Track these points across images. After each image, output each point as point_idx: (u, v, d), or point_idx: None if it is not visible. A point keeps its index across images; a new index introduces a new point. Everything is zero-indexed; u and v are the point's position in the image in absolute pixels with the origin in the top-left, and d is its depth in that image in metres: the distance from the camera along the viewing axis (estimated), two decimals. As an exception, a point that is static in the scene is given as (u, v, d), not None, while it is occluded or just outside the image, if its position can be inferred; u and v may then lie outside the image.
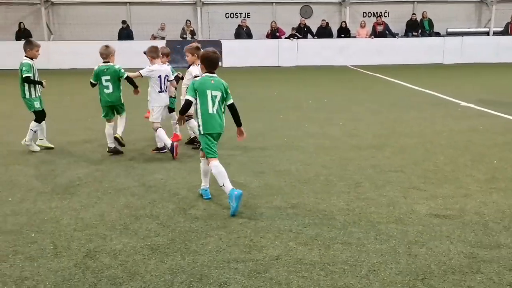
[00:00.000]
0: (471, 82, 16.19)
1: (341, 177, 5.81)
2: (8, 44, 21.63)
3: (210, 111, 4.97)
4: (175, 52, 22.23)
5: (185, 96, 5.18)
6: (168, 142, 6.81)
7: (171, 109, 7.43)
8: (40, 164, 6.48)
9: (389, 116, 9.81)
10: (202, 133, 5.01)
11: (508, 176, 5.79)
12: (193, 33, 23.19)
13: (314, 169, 6.15)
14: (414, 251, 3.85)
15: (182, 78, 7.44)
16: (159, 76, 6.88)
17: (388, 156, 6.73)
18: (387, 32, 23.42)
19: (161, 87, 6.91)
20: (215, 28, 24.56)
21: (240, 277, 3.48)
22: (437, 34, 23.86)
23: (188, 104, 4.93)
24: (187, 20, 23.29)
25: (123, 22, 23.14)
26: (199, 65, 6.68)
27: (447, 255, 3.77)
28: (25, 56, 7.23)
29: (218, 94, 5.01)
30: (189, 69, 7.10)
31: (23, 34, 22.45)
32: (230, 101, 5.15)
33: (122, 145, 7.02)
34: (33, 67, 7.16)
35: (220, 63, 5.32)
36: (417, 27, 23.81)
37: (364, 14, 25.18)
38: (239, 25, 23.50)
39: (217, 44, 22.60)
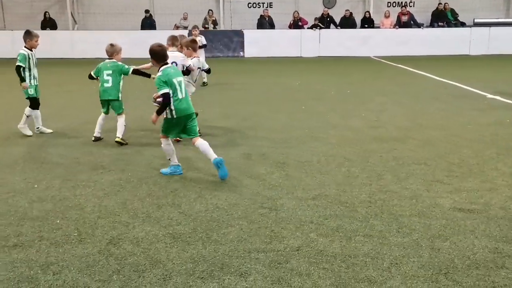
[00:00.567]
0: (498, 74, 15.84)
1: (363, 169, 5.76)
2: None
3: (180, 96, 5.42)
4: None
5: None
6: None
7: None
8: (65, 152, 6.59)
9: (413, 108, 9.68)
10: (174, 117, 5.41)
11: (536, 170, 5.67)
12: (215, 23, 23.18)
13: (336, 160, 6.12)
14: (437, 245, 3.80)
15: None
16: (172, 63, 6.91)
17: (411, 149, 6.64)
18: (412, 22, 23.05)
19: None
20: (237, 18, 24.52)
21: (261, 267, 3.49)
22: (463, 25, 23.38)
23: (167, 98, 5.30)
24: (209, 10, 23.30)
25: (146, 11, 23.27)
26: (194, 58, 7.23)
27: (471, 250, 3.71)
28: (24, 46, 7.53)
29: (181, 78, 5.55)
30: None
31: (48, 23, 22.80)
32: (185, 77, 6.02)
33: (125, 144, 7.00)
34: (29, 58, 7.46)
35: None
36: (443, 18, 23.36)
37: (389, 4, 24.83)
38: (261, 15, 23.40)
39: (239, 34, 22.57)
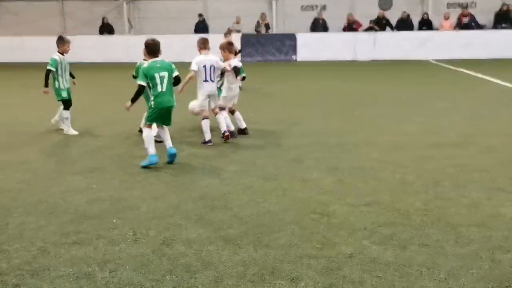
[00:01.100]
0: None
1: (419, 175, 5.59)
2: (92, 38, 22.89)
3: (159, 89, 6.00)
4: (249, 46, 22.52)
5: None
6: (209, 136, 7.19)
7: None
8: (122, 154, 6.80)
9: (474, 114, 9.30)
10: (153, 108, 6.06)
11: None
12: (267, 26, 23.25)
13: (390, 166, 5.97)
14: (498, 256, 3.63)
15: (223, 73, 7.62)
16: (204, 66, 7.09)
17: (471, 155, 6.38)
18: (473, 24, 22.16)
19: (205, 77, 7.10)
20: (289, 21, 24.47)
21: (313, 273, 3.45)
22: (530, 26, 22.22)
23: (140, 89, 6.03)
24: (262, 13, 23.39)
25: (200, 15, 23.67)
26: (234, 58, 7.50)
27: (535, 264, 3.52)
28: (58, 51, 7.99)
29: (165, 74, 6.02)
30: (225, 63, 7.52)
31: (106, 28, 23.64)
32: (175, 74, 6.17)
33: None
34: (60, 62, 7.92)
35: (160, 50, 6.27)
36: (508, 19, 22.31)
37: (448, 5, 23.97)
38: (315, 18, 23.24)
39: (292, 37, 22.52)
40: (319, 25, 22.97)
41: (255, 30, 22.92)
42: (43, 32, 22.58)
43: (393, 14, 23.22)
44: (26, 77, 15.99)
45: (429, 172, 5.72)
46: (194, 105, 7.59)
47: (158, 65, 6.05)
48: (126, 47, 22.13)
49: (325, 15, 23.42)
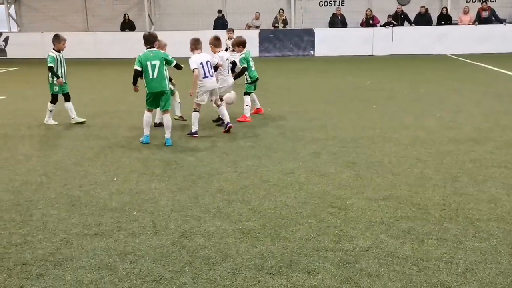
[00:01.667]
0: None
1: (437, 170, 5.57)
2: (114, 34, 23.15)
3: (151, 76, 6.86)
4: (267, 41, 22.51)
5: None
6: (196, 128, 7.44)
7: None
8: (141, 148, 6.89)
9: (493, 108, 9.19)
10: (147, 93, 6.99)
11: None
12: (285, 22, 23.20)
13: (408, 161, 5.95)
14: (518, 252, 3.61)
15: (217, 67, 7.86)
16: (201, 63, 7.35)
17: (490, 150, 6.32)
18: (493, 18, 21.80)
19: (204, 73, 7.35)
20: (308, 16, 24.38)
21: (330, 266, 3.48)
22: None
23: (135, 73, 6.96)
24: (280, 9, 23.35)
25: (219, 11, 23.71)
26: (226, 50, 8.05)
27: (555, 259, 3.49)
28: (53, 49, 8.39)
29: (157, 62, 6.89)
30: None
31: (127, 24, 23.85)
32: (173, 63, 7.06)
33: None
34: (57, 59, 8.34)
35: (156, 41, 7.17)
36: (528, 12, 21.92)
37: (468, 0, 23.63)
38: (333, 14, 23.12)
39: (310, 33, 22.46)
40: (337, 21, 22.85)
41: (273, 26, 22.90)
42: (66, 29, 22.88)
43: (411, 9, 22.97)
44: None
45: (448, 167, 5.69)
46: (231, 96, 8.24)
47: (152, 54, 6.95)
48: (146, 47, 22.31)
49: (343, 11, 23.28)
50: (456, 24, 22.25)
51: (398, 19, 22.30)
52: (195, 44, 7.59)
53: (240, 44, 8.66)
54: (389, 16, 22.23)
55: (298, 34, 22.64)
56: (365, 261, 3.53)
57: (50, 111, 8.58)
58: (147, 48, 7.01)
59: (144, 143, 6.98)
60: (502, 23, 21.67)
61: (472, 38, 21.30)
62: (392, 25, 21.99)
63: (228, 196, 4.92)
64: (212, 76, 7.48)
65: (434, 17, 22.56)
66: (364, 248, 3.73)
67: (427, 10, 22.46)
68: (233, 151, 6.63)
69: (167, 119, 7.01)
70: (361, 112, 9.15)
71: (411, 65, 18.03)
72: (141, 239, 3.97)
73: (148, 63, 6.85)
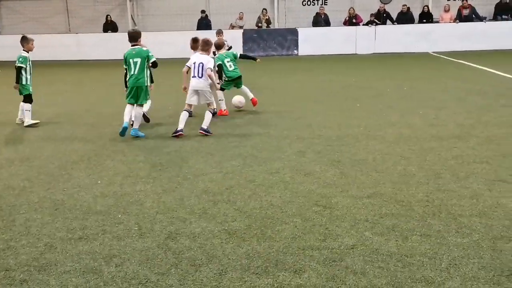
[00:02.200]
0: None
1: (421, 167, 5.63)
2: (96, 35, 22.96)
3: (131, 72, 7.43)
4: (251, 41, 22.52)
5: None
6: (181, 126, 7.49)
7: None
8: (125, 150, 6.85)
9: (475, 105, 9.31)
10: (126, 86, 7.60)
11: None
12: (268, 21, 23.25)
13: (392, 159, 6.01)
14: (500, 246, 3.67)
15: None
16: (194, 63, 7.62)
17: (472, 147, 6.41)
18: (473, 15, 22.10)
19: (193, 73, 7.58)
20: (291, 16, 24.46)
21: (315, 264, 3.50)
22: (531, 17, 22.14)
23: (126, 73, 7.59)
24: (263, 9, 23.39)
25: (202, 12, 23.65)
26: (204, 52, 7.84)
27: (536, 252, 3.55)
28: (23, 50, 8.66)
29: (138, 60, 7.39)
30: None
31: (110, 25, 23.67)
32: (152, 60, 7.53)
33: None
34: (28, 59, 8.61)
35: (139, 38, 7.62)
36: (508, 10, 22.22)
37: (449, -2, 23.89)
38: (317, 13, 23.23)
39: (293, 32, 22.52)
40: (320, 20, 22.95)
41: (256, 25, 22.92)
42: (48, 30, 22.65)
43: (393, 7, 23.17)
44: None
45: (431, 163, 5.76)
46: (240, 99, 9.09)
47: (134, 52, 7.46)
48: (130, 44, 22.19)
49: (326, 10, 23.40)
50: (438, 22, 22.50)
51: (381, 17, 22.48)
52: (194, 44, 8.40)
53: (216, 46, 9.21)
54: (371, 15, 22.39)
55: (282, 34, 22.69)
56: (351, 259, 3.55)
57: (29, 111, 8.64)
58: (131, 46, 7.46)
59: (120, 131, 7.44)
60: (482, 21, 21.96)
61: (454, 35, 21.56)
62: (374, 23, 22.15)
63: (214, 196, 4.91)
64: (198, 77, 7.50)
65: (416, 15, 22.78)
66: (349, 246, 3.76)
67: (409, 8, 22.67)
68: (218, 151, 6.62)
69: (137, 111, 7.55)
70: (346, 110, 9.20)
71: (394, 63, 18.19)
72: (126, 242, 3.95)
73: (131, 60, 7.40)
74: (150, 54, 7.50)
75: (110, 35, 23.14)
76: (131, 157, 6.48)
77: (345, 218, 4.27)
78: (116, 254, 3.75)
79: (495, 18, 22.47)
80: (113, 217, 4.48)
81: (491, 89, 11.14)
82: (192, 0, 24.62)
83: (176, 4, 24.64)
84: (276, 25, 23.89)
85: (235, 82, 9.22)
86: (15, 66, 8.55)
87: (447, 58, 18.78)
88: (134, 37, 7.51)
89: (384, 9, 22.68)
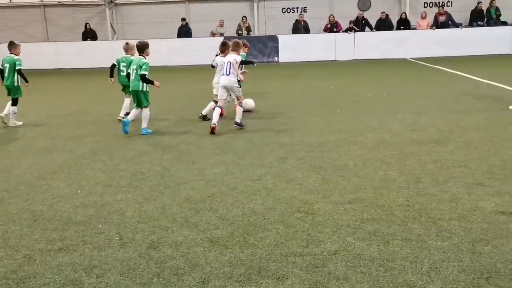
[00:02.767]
0: (542, 72, 15.28)
1: (401, 172, 5.69)
2: (76, 44, 22.74)
3: (131, 77, 8.26)
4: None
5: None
6: (215, 120, 8.14)
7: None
8: (106, 159, 6.78)
9: (452, 110, 9.47)
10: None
11: None
12: (248, 29, 23.36)
13: (373, 164, 6.06)
14: (479, 249, 3.72)
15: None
16: (223, 62, 8.44)
17: (451, 151, 6.51)
18: (449, 22, 22.53)
19: (223, 71, 8.40)
20: (271, 23, 24.61)
21: (298, 271, 3.50)
22: (504, 24, 22.67)
23: (143, 78, 8.26)
24: (243, 16, 23.49)
25: (183, 19, 23.65)
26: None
27: (514, 254, 3.62)
28: (11, 53, 9.22)
29: (134, 66, 8.17)
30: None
31: (89, 34, 23.49)
32: (141, 72, 8.12)
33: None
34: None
35: (146, 48, 8.40)
36: (483, 17, 22.72)
37: (425, 5, 24.36)
38: (296, 20, 23.42)
39: (274, 39, 22.65)
40: (300, 27, 23.14)
41: (236, 33, 22.99)
42: (26, 39, 22.32)
43: (372, 14, 23.49)
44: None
45: (411, 168, 5.83)
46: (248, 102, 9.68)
47: (136, 59, 8.30)
48: (110, 52, 22.00)
49: (306, 17, 23.61)
50: (415, 28, 22.88)
51: (359, 24, 22.77)
52: (223, 47, 9.17)
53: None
54: (350, 21, 22.67)
55: (262, 41, 22.81)
56: (333, 265, 3.57)
57: (15, 113, 9.15)
58: (138, 55, 8.39)
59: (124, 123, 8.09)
60: (458, 27, 22.40)
61: (431, 42, 21.96)
62: (353, 30, 22.42)
63: (196, 205, 4.89)
64: (226, 74, 8.28)
65: (394, 22, 23.12)
66: (331, 251, 3.77)
67: (387, 15, 23.02)
68: (199, 159, 6.60)
69: (144, 113, 8.27)
70: (327, 116, 9.27)
71: (374, 69, 18.41)
72: (107, 252, 3.90)
73: (132, 66, 8.36)
74: (144, 66, 8.13)
75: (89, 43, 22.97)
76: (111, 166, 6.42)
77: (327, 224, 4.29)
78: (97, 265, 3.70)
79: (470, 24, 22.94)
80: (94, 227, 4.42)
81: (467, 94, 11.34)
82: (172, 7, 24.62)
83: (156, 12, 24.60)
84: (256, 32, 24.00)
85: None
86: (17, 69, 9.14)
87: (425, 64, 19.08)
88: (140, 48, 8.41)
89: (363, 16, 22.98)
